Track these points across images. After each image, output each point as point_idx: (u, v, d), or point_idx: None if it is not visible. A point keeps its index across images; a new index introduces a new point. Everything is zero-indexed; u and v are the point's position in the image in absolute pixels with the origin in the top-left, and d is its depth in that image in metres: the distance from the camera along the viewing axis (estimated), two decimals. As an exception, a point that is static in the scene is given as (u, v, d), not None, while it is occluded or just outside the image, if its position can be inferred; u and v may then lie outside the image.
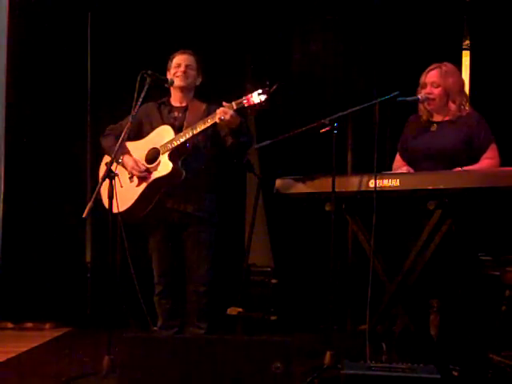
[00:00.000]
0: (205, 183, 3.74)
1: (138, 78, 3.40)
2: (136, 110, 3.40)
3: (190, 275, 3.75)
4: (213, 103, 3.73)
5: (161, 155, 3.61)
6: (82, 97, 5.03)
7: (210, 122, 3.52)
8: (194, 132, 3.55)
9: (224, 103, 3.50)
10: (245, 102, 3.45)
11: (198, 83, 3.84)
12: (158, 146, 3.63)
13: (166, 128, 3.66)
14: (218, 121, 3.49)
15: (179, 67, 3.75)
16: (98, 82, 5.03)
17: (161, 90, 3.76)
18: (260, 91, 3.42)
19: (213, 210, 3.78)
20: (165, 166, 3.59)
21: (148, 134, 3.74)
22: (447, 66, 3.51)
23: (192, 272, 3.74)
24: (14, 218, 5.03)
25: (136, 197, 3.66)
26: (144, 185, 3.65)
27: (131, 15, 4.97)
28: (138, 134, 3.78)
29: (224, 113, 3.46)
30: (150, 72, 3.49)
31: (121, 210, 3.47)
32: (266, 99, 3.42)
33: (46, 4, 5.00)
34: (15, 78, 5.03)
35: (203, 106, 3.78)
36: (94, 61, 5.03)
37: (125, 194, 3.63)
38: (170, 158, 3.58)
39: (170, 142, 3.59)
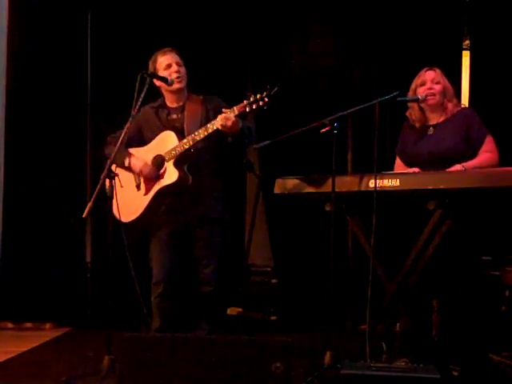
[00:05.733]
0: (212, 183, 3.73)
1: (138, 78, 3.39)
2: (136, 110, 3.39)
3: (196, 275, 3.70)
4: (210, 95, 3.73)
5: (166, 162, 3.59)
6: (82, 96, 5.03)
7: (212, 129, 3.48)
8: (197, 139, 3.52)
9: (224, 109, 3.46)
10: (246, 106, 3.39)
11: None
12: (162, 153, 3.61)
13: (169, 134, 3.63)
14: (219, 127, 3.45)
15: (170, 67, 3.67)
16: (98, 81, 5.03)
17: (153, 91, 3.71)
18: (261, 95, 3.35)
19: (222, 209, 3.76)
20: (171, 174, 3.57)
21: (150, 140, 3.72)
22: (439, 70, 3.55)
23: (199, 272, 3.70)
24: (14, 217, 5.03)
25: (145, 205, 3.65)
26: (152, 193, 3.63)
27: (131, 15, 4.97)
28: (140, 141, 3.76)
29: (226, 119, 3.42)
30: (149, 72, 3.48)
31: (131, 219, 3.62)
32: (267, 103, 3.35)
33: (46, 4, 5.01)
34: (15, 77, 5.02)
35: (200, 100, 3.74)
36: (94, 61, 5.03)
37: (133, 203, 3.64)
38: (176, 165, 3.57)
39: (174, 148, 3.57)
